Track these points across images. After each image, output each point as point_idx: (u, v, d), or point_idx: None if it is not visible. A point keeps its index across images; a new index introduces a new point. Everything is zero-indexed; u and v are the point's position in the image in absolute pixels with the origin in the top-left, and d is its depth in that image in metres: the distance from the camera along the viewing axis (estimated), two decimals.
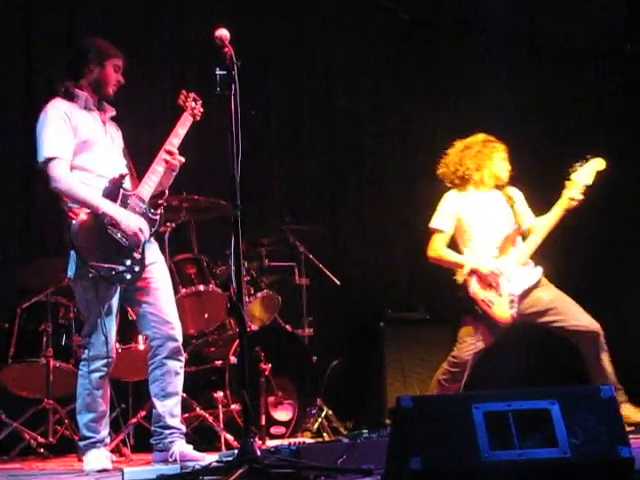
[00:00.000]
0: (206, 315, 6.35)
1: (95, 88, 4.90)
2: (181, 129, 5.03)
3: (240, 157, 4.05)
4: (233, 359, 6.12)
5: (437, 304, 7.51)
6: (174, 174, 5.04)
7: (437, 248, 6.01)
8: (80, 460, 4.92)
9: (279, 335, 6.69)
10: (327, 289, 7.41)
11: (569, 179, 5.84)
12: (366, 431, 4.23)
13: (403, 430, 2.80)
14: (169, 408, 4.84)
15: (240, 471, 3.41)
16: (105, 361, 4.76)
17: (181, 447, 4.78)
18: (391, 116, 8.51)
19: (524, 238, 5.95)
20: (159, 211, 4.96)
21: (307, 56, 8.41)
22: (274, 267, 7.04)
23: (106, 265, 4.62)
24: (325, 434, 6.54)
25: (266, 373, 6.16)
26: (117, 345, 5.75)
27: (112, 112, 5.01)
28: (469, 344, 5.86)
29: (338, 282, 7.24)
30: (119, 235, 4.67)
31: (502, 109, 7.71)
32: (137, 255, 4.75)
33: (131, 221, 4.73)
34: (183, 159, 4.99)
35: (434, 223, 6.06)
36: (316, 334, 7.10)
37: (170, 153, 4.94)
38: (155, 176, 4.91)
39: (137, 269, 4.75)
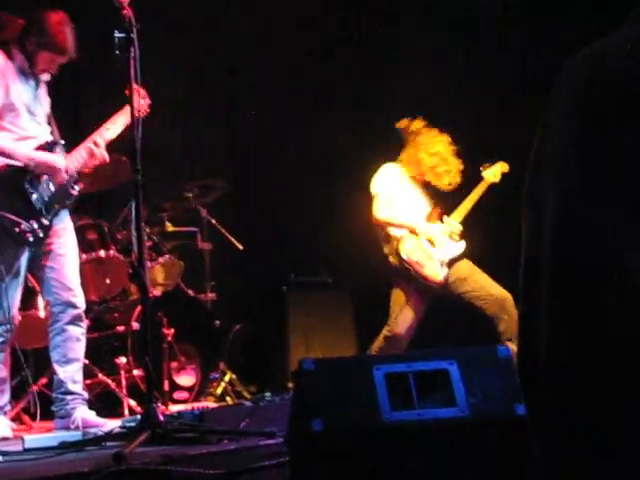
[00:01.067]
0: (108, 281, 6.28)
1: (30, 60, 4.76)
2: (119, 120, 4.92)
3: (140, 120, 4.02)
4: (135, 325, 6.09)
5: (340, 269, 7.57)
6: (94, 164, 4.94)
7: (379, 211, 6.22)
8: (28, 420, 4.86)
9: (182, 300, 6.68)
10: (230, 254, 7.40)
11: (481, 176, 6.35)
12: (269, 394, 4.27)
13: (305, 392, 2.82)
14: (70, 374, 4.80)
15: (143, 436, 3.41)
16: (6, 327, 4.68)
17: (83, 413, 4.74)
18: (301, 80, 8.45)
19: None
20: (78, 187, 4.89)
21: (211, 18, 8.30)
22: (176, 232, 7.00)
23: (11, 216, 4.54)
24: (228, 398, 6.56)
25: (169, 338, 6.15)
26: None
27: (46, 77, 4.89)
28: (402, 315, 6.00)
29: (241, 247, 7.24)
30: (34, 195, 4.61)
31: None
32: (45, 221, 4.68)
33: (48, 159, 4.69)
34: (107, 157, 4.92)
35: (375, 188, 6.27)
36: (219, 299, 7.10)
37: (96, 145, 4.86)
38: (81, 155, 4.85)
39: (41, 235, 4.67)
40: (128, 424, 4.08)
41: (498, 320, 5.98)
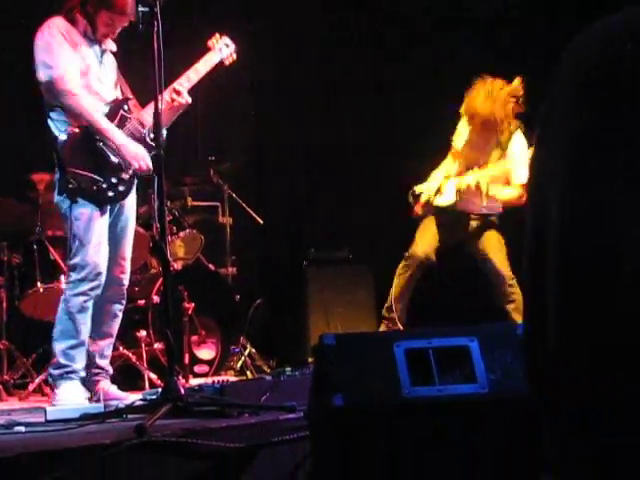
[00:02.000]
0: None
1: (92, 24, 4.73)
2: (201, 68, 4.90)
3: (163, 95, 4.03)
4: (156, 298, 6.11)
5: (359, 244, 7.57)
6: (178, 113, 4.90)
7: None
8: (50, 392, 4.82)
9: (202, 274, 6.70)
10: (250, 228, 7.42)
11: None
12: (289, 369, 4.27)
13: (325, 368, 2.83)
14: (101, 348, 4.80)
15: (164, 409, 3.43)
16: (93, 284, 4.61)
17: (106, 386, 4.77)
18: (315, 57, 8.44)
19: None
20: (162, 141, 4.82)
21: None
22: (197, 207, 7.02)
23: (88, 174, 4.52)
24: (248, 372, 6.60)
25: (189, 312, 6.18)
26: (39, 284, 5.71)
27: (113, 46, 4.88)
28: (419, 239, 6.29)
29: (261, 221, 7.25)
30: (109, 151, 4.59)
31: None
32: (125, 175, 4.65)
33: (131, 147, 4.67)
34: (190, 100, 4.85)
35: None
36: (239, 273, 7.13)
37: (178, 93, 4.80)
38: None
39: (122, 189, 4.65)
40: (149, 397, 4.11)
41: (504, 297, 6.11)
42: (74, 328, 4.59)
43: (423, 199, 6.30)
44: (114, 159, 4.61)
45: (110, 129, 4.64)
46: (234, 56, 5.04)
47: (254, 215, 7.23)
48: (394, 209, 6.72)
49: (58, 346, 4.62)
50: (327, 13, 8.22)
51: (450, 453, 2.74)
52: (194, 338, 6.33)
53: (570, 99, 1.32)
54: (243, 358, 6.66)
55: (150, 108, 4.66)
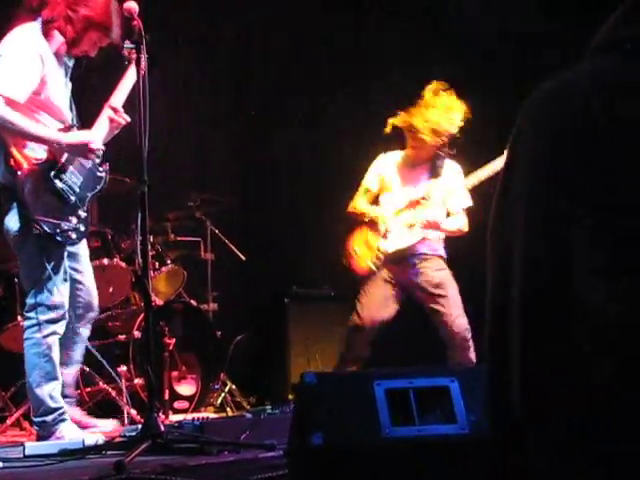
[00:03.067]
0: (111, 289, 6.29)
1: (72, 40, 4.54)
2: (127, 82, 4.68)
3: (147, 132, 4.04)
4: (137, 333, 6.10)
5: (342, 281, 7.58)
6: (115, 132, 4.77)
7: (355, 201, 6.08)
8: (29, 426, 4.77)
9: (184, 310, 6.69)
10: (233, 264, 7.43)
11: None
12: (269, 406, 4.28)
13: (306, 406, 2.84)
14: (71, 376, 4.77)
15: (143, 446, 3.43)
16: (63, 322, 4.54)
17: (77, 415, 4.72)
18: (300, 95, 8.49)
19: None
20: (105, 168, 4.75)
21: (217, 29, 8.34)
22: (180, 242, 7.02)
23: (52, 220, 4.39)
24: (228, 409, 6.58)
25: (170, 348, 6.16)
26: (20, 318, 5.68)
27: (72, 62, 4.71)
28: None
29: (243, 257, 7.26)
30: (64, 189, 4.44)
31: None
32: (82, 213, 4.55)
33: (79, 140, 4.51)
34: (128, 118, 4.66)
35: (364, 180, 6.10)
36: (221, 309, 7.12)
37: (115, 110, 4.67)
38: (102, 126, 4.66)
39: (82, 229, 4.56)
40: (129, 433, 4.10)
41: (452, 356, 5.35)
42: (53, 369, 4.51)
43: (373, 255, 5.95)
44: (70, 196, 4.49)
45: (52, 133, 4.46)
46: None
47: (236, 251, 7.24)
48: None
49: (42, 391, 4.49)
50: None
51: None
52: (174, 374, 6.31)
53: (534, 157, 1.34)
54: (223, 394, 6.64)
55: (96, 128, 4.62)
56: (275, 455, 3.35)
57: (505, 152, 1.42)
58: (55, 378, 4.52)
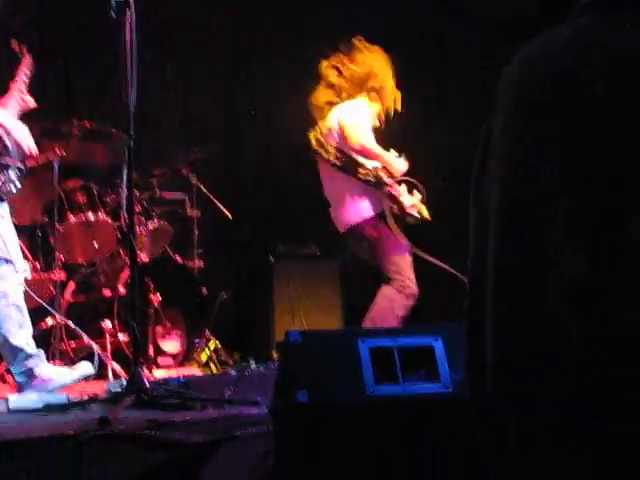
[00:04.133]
0: (96, 244, 6.28)
1: None
2: (27, 70, 4.78)
3: (135, 85, 4.01)
4: (122, 289, 6.09)
5: (328, 240, 7.58)
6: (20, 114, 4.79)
7: (359, 136, 5.79)
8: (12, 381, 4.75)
9: (169, 266, 6.69)
10: (219, 222, 7.40)
11: None
12: (253, 363, 4.29)
13: (291, 364, 2.85)
14: (27, 337, 4.68)
15: (128, 401, 3.43)
16: (23, 274, 4.61)
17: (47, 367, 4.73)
18: (284, 45, 8.42)
19: None
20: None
21: None
22: (166, 198, 6.99)
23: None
24: (212, 366, 6.59)
25: (155, 304, 6.16)
26: None
27: None
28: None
29: (229, 215, 7.24)
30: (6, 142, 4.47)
31: None
32: (22, 167, 4.56)
33: (23, 132, 4.58)
34: (34, 103, 4.77)
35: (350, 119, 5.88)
36: (206, 266, 7.11)
37: (23, 93, 4.73)
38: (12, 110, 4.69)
39: (19, 185, 4.57)
40: (113, 388, 4.11)
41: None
42: (23, 317, 4.56)
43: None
44: (9, 146, 4.50)
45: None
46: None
47: (222, 208, 7.22)
48: None
49: (17, 340, 4.54)
50: None
51: (412, 450, 2.76)
52: (159, 330, 6.31)
53: (511, 123, 1.34)
54: (208, 351, 6.65)
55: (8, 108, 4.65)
56: (259, 411, 3.36)
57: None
58: (27, 326, 4.57)
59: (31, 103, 4.76)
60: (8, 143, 4.52)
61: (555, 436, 1.24)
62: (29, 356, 4.57)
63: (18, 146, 4.55)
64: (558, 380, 1.24)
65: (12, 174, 4.53)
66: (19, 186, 4.58)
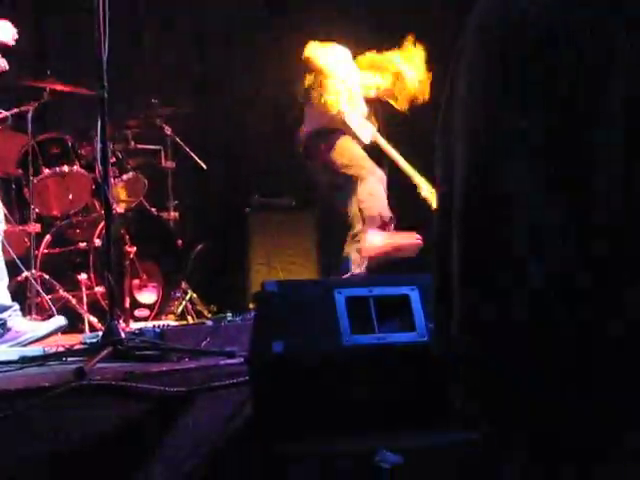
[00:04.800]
0: (70, 196, 6.24)
1: None
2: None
3: (107, 37, 3.96)
4: (97, 241, 6.07)
5: (304, 191, 7.57)
6: None
7: None
8: None
9: (144, 218, 6.66)
10: (194, 173, 7.38)
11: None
12: (230, 314, 4.28)
13: (267, 314, 2.85)
14: (2, 289, 4.67)
15: (104, 352, 3.43)
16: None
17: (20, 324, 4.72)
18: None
19: None
20: None
21: None
22: (140, 150, 6.95)
23: None
24: (189, 317, 6.60)
25: (131, 256, 6.15)
26: None
27: None
28: None
29: (204, 166, 7.21)
30: None
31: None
32: None
33: None
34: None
35: None
36: (182, 218, 7.09)
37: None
38: None
39: None
40: (89, 340, 4.11)
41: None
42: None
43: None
44: None
45: None
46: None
47: (197, 160, 7.18)
48: None
49: None
50: None
51: (387, 399, 2.78)
52: (135, 282, 6.30)
53: (475, 64, 1.33)
54: (184, 303, 6.66)
55: None
56: (235, 362, 3.37)
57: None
58: (2, 278, 4.55)
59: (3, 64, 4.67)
60: None
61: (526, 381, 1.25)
62: (3, 308, 4.56)
63: None
64: (524, 327, 1.25)
65: None
66: None
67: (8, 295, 4.66)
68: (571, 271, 1.19)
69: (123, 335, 3.63)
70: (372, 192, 5.96)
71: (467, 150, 1.31)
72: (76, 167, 6.17)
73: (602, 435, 1.18)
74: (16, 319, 4.61)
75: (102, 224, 5.98)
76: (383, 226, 5.95)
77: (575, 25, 1.22)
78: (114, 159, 6.42)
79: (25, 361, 3.68)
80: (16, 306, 4.66)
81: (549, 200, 1.21)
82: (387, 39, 6.20)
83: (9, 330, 4.56)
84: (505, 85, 1.27)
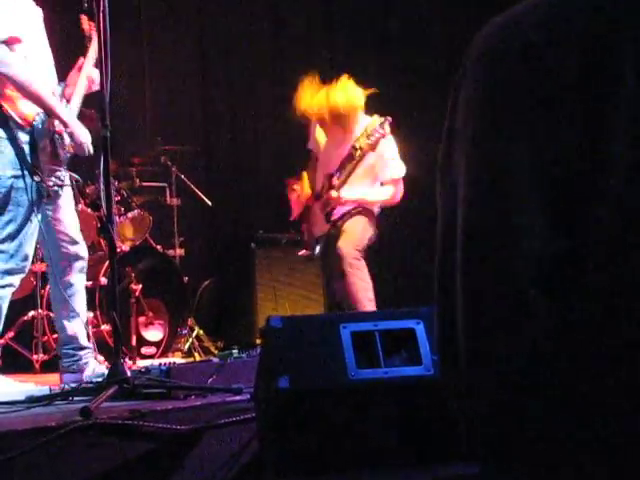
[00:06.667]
0: None
1: None
2: (92, 53, 4.73)
3: (109, 75, 3.98)
4: (103, 280, 6.08)
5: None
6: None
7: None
8: None
9: (150, 255, 6.67)
10: (199, 210, 7.40)
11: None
12: (236, 351, 4.27)
13: (272, 349, 2.84)
14: (80, 328, 4.72)
15: (110, 391, 3.42)
16: (21, 276, 4.49)
17: (95, 366, 4.72)
18: (265, 44, 8.42)
19: None
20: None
21: None
22: (145, 187, 6.98)
23: (50, 167, 4.39)
24: (196, 354, 6.59)
25: (137, 294, 6.15)
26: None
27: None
28: None
29: (210, 202, 7.23)
30: (63, 143, 4.43)
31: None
32: (64, 172, 4.53)
33: (82, 130, 4.53)
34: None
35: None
36: (187, 255, 7.10)
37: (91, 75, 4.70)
38: (81, 91, 4.67)
39: (67, 186, 4.55)
40: (95, 379, 4.10)
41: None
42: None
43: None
44: (64, 153, 4.48)
45: (62, 109, 4.49)
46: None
47: (203, 197, 7.21)
48: None
49: None
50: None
51: (395, 434, 2.77)
52: (142, 319, 6.31)
53: (474, 94, 1.33)
54: (191, 340, 6.65)
55: (77, 94, 4.62)
56: (242, 399, 3.36)
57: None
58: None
59: (96, 85, 4.61)
60: (67, 141, 4.48)
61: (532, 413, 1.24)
62: (80, 347, 4.68)
63: (79, 146, 4.52)
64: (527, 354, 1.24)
65: (62, 177, 4.49)
66: (59, 192, 4.54)
67: (85, 334, 4.72)
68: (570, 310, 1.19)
69: (129, 373, 3.62)
70: None
71: (468, 185, 1.31)
72: (81, 205, 6.18)
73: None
74: (91, 361, 4.68)
75: (107, 262, 6.00)
76: None
77: (577, 61, 1.22)
78: (119, 197, 6.45)
79: (32, 401, 3.67)
80: (92, 347, 4.75)
81: (551, 234, 1.21)
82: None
83: (81, 371, 4.62)
84: (504, 118, 1.28)
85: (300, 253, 6.15)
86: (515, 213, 1.24)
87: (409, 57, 7.58)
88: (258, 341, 6.33)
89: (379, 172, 5.88)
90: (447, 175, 1.38)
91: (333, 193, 5.79)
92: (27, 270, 4.55)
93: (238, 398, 3.39)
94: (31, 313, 5.63)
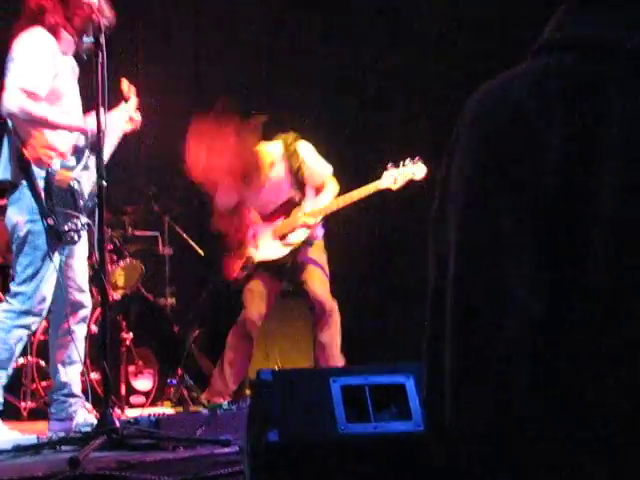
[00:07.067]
0: None
1: (79, 32, 4.51)
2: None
3: (105, 127, 4.02)
4: (94, 328, 6.06)
5: (299, 277, 7.57)
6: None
7: None
8: None
9: (141, 304, 6.67)
10: (191, 259, 7.40)
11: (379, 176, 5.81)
12: (226, 402, 4.27)
13: (262, 403, 2.84)
14: (74, 376, 4.74)
15: (98, 441, 3.41)
16: (38, 319, 4.57)
17: (85, 415, 4.70)
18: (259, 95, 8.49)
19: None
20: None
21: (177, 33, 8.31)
22: (138, 236, 6.99)
23: (67, 211, 4.41)
24: (185, 404, 6.56)
25: (127, 342, 6.14)
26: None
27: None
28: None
29: (202, 252, 7.24)
30: (78, 192, 4.45)
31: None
32: (84, 220, 4.52)
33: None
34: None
35: None
36: (178, 304, 7.09)
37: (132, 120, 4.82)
38: (113, 143, 4.76)
39: (83, 233, 4.56)
40: (84, 428, 4.09)
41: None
42: (7, 360, 4.50)
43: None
44: (81, 200, 4.49)
45: (78, 121, 4.56)
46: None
47: (195, 246, 7.22)
48: (333, 243, 6.71)
49: None
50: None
51: None
52: (131, 369, 6.28)
53: (467, 155, 1.35)
54: (180, 390, 6.62)
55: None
56: (231, 451, 3.35)
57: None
58: (4, 368, 4.52)
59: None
60: (80, 200, 4.49)
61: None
62: (72, 394, 4.70)
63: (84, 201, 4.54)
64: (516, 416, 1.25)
65: (79, 224, 4.50)
66: (82, 237, 4.57)
67: (79, 383, 4.75)
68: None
69: (118, 424, 3.61)
70: None
71: (460, 242, 1.33)
72: None
73: None
74: (80, 410, 4.66)
75: (99, 311, 5.99)
76: None
77: (571, 121, 1.24)
78: (112, 245, 6.45)
79: (19, 450, 3.65)
80: (82, 398, 4.73)
81: (538, 296, 1.22)
82: None
83: (70, 419, 4.60)
84: (494, 186, 1.29)
85: (235, 275, 6.20)
86: (508, 276, 1.25)
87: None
88: (248, 393, 6.31)
89: (308, 178, 5.95)
90: (438, 236, 1.39)
91: (299, 213, 5.89)
92: (44, 313, 4.59)
93: (227, 450, 3.38)
94: (21, 360, 5.60)
